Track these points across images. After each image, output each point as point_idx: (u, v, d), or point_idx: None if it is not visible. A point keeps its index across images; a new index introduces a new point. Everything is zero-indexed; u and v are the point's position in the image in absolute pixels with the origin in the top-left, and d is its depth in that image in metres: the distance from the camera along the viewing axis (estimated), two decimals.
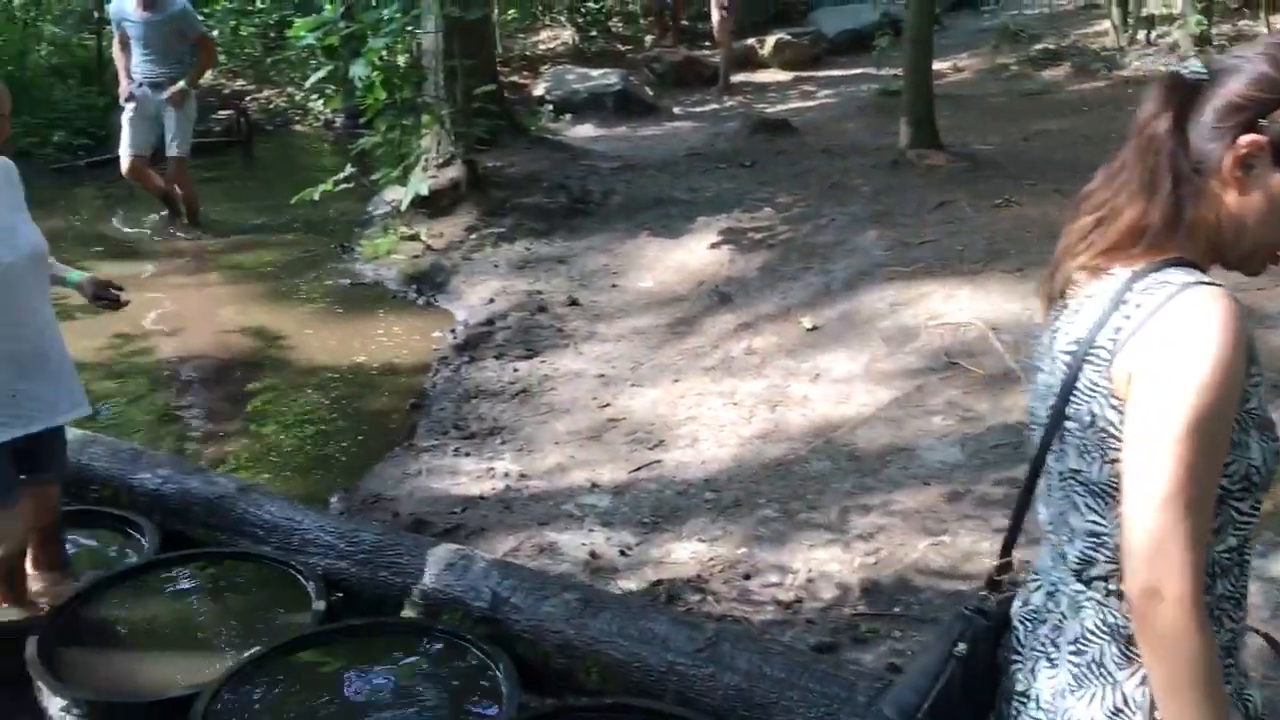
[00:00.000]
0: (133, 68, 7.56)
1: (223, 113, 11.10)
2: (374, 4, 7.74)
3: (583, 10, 14.08)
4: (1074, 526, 1.41)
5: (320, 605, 3.14)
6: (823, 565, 3.54)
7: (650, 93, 11.63)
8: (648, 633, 2.89)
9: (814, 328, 5.36)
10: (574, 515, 3.98)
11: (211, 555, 3.51)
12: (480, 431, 4.73)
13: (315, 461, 4.73)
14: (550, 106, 11.02)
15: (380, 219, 7.74)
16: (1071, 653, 1.41)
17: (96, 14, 11.13)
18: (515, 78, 12.04)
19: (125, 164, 7.73)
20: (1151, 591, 1.23)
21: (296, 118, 12.06)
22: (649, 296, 6.16)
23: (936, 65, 8.63)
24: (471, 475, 4.34)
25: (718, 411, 4.70)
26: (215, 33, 11.02)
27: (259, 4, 13.78)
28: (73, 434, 3.55)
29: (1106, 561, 1.37)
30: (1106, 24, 11.94)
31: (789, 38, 13.32)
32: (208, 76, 9.79)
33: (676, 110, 11.33)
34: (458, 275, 6.73)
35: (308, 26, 7.45)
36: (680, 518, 3.92)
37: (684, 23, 14.22)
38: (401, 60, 7.91)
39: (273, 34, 13.22)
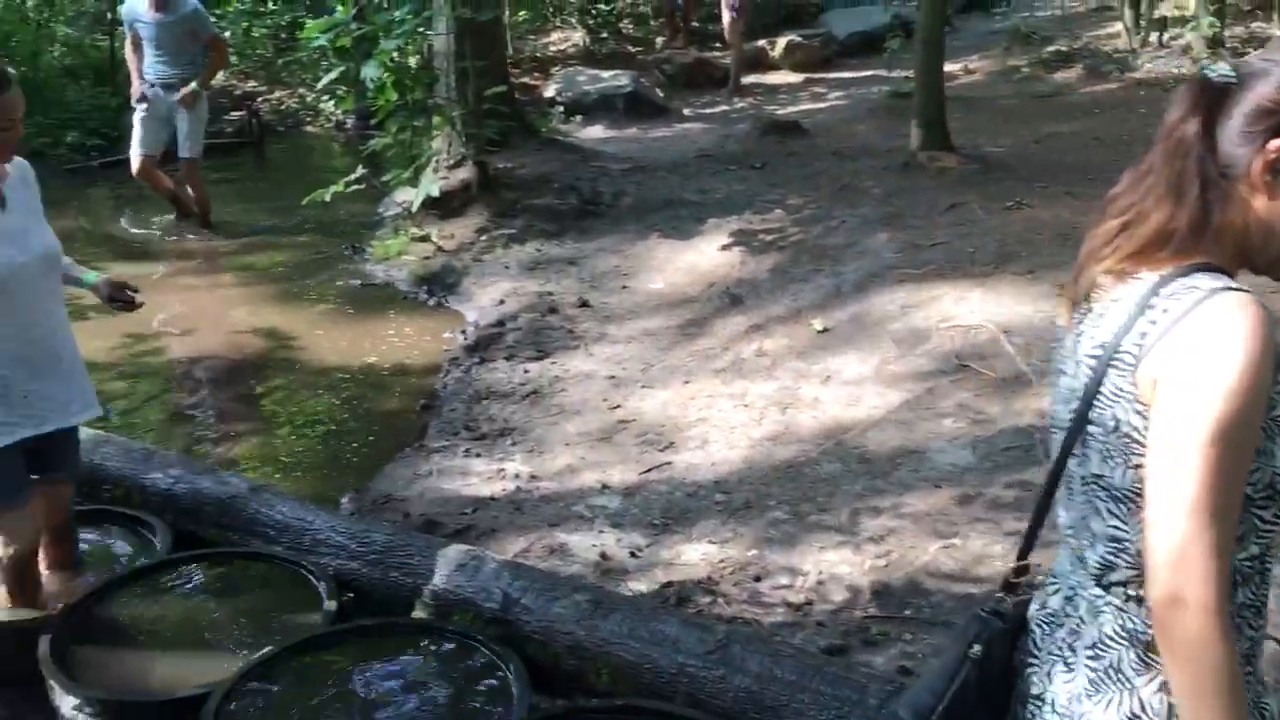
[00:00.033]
0: (145, 69, 7.59)
1: (234, 114, 11.14)
2: (386, 5, 7.77)
3: (594, 12, 14.09)
4: (1095, 531, 1.40)
5: (331, 605, 3.14)
6: (833, 567, 3.53)
7: (661, 94, 11.62)
8: (658, 634, 2.88)
9: (825, 330, 5.35)
10: (584, 517, 3.98)
11: (223, 555, 3.51)
12: (491, 432, 4.74)
13: (326, 462, 4.74)
14: (561, 108, 11.04)
15: (391, 220, 7.76)
16: (1089, 657, 1.40)
17: (109, 15, 11.19)
18: (526, 79, 12.06)
19: (135, 164, 7.76)
20: (1174, 599, 1.22)
21: (308, 119, 12.10)
22: (659, 298, 6.16)
23: (948, 67, 8.61)
24: (482, 476, 4.34)
25: (728, 413, 4.69)
26: (227, 34, 11.04)
27: (271, 5, 13.83)
28: (85, 434, 3.56)
29: (1127, 567, 1.37)
30: (1119, 26, 11.91)
31: (800, 39, 13.31)
32: (220, 78, 9.83)
33: (687, 112, 11.32)
34: (468, 276, 6.74)
35: (320, 28, 7.47)
36: (690, 519, 3.91)
37: (695, 24, 14.20)
38: (413, 62, 7.92)
39: (284, 35, 13.27)
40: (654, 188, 7.92)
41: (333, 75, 8.11)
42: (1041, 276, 5.29)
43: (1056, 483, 1.46)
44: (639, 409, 4.83)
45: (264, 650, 2.96)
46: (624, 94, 11.01)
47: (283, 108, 12.30)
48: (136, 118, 7.67)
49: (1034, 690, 1.47)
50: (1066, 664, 1.43)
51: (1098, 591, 1.40)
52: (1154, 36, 11.25)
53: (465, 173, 7.60)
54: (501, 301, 6.28)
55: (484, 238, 7.13)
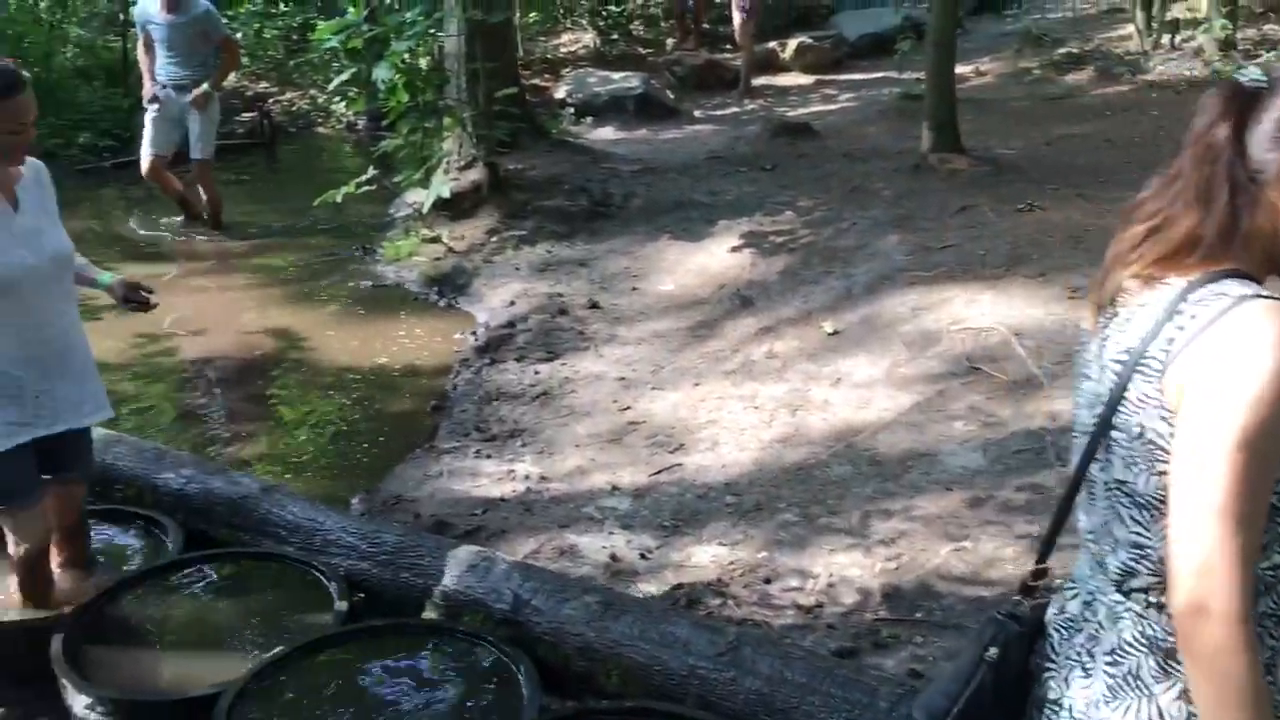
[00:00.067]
0: (157, 70, 7.61)
1: (246, 115, 11.16)
2: (397, 7, 7.78)
3: (604, 13, 14.10)
4: (1117, 537, 1.39)
5: (342, 606, 3.15)
6: (843, 570, 3.53)
7: (671, 96, 11.62)
8: (669, 636, 2.88)
9: (835, 332, 5.34)
10: (594, 518, 3.98)
11: (234, 555, 3.52)
12: (501, 433, 4.74)
13: (337, 462, 4.75)
14: (571, 109, 11.04)
15: (402, 221, 7.77)
16: (1107, 663, 1.39)
17: (121, 16, 11.22)
18: (537, 81, 12.07)
19: (145, 164, 7.78)
20: (1198, 607, 1.22)
21: (319, 120, 12.11)
22: (669, 300, 6.16)
23: (959, 69, 8.59)
24: (492, 477, 4.34)
25: (738, 415, 4.69)
26: (239, 35, 11.07)
27: (282, 7, 13.87)
28: (97, 434, 3.56)
29: (1149, 574, 1.36)
30: (1130, 28, 11.88)
31: (810, 41, 13.31)
32: (231, 79, 9.84)
33: (697, 113, 11.32)
34: (479, 277, 6.74)
35: (331, 29, 7.48)
36: (700, 521, 3.91)
37: (705, 26, 14.21)
38: (424, 63, 7.91)
39: (296, 37, 13.29)
40: (664, 189, 7.91)
41: (344, 77, 8.10)
42: (1053, 279, 5.28)
43: (1078, 487, 1.45)
44: (649, 410, 4.83)
45: (275, 650, 2.97)
46: (634, 95, 11.01)
47: (294, 109, 12.32)
48: (148, 118, 7.69)
49: (1051, 695, 1.46)
50: (1084, 669, 1.42)
51: (1118, 597, 1.40)
52: (1166, 39, 11.23)
53: (476, 174, 7.61)
54: (512, 303, 6.28)
55: (494, 239, 7.14)
